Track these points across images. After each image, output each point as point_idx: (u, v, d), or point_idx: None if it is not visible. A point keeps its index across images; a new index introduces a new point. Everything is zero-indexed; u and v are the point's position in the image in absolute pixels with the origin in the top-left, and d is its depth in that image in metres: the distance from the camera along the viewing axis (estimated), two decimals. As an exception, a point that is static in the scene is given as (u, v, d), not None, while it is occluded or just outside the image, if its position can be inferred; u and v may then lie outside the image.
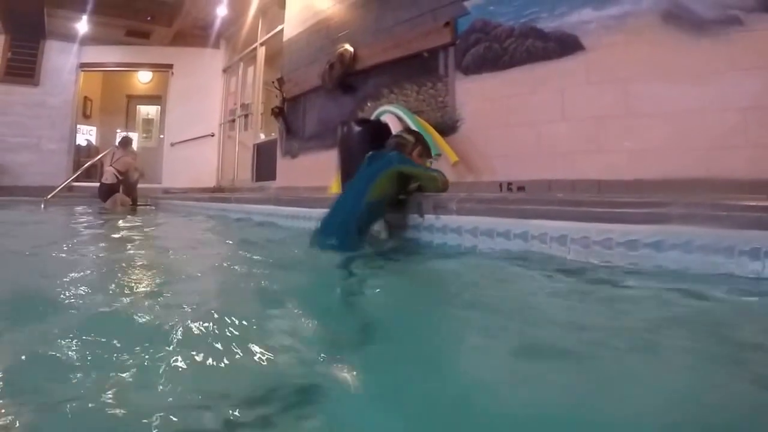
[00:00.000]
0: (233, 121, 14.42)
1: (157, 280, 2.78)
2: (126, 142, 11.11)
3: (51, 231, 6.17)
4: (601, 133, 4.95)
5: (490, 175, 5.89)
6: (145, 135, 18.41)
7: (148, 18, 13.71)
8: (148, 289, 2.52)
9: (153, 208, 10.86)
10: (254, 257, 3.54)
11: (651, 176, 4.45)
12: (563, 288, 2.32)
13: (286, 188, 10.10)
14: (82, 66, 14.99)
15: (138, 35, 14.48)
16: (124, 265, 3.13)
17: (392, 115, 6.46)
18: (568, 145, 5.22)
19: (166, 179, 15.12)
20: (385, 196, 3.71)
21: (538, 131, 5.50)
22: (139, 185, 11.32)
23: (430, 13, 6.83)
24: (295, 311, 2.12)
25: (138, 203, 11.00)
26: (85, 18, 13.43)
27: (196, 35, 14.45)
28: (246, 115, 13.67)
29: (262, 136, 12.81)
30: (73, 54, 14.67)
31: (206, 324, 1.70)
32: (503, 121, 5.86)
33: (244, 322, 1.75)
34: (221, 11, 12.81)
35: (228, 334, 1.64)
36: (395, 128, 6.01)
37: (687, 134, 4.37)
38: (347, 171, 5.98)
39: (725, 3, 4.20)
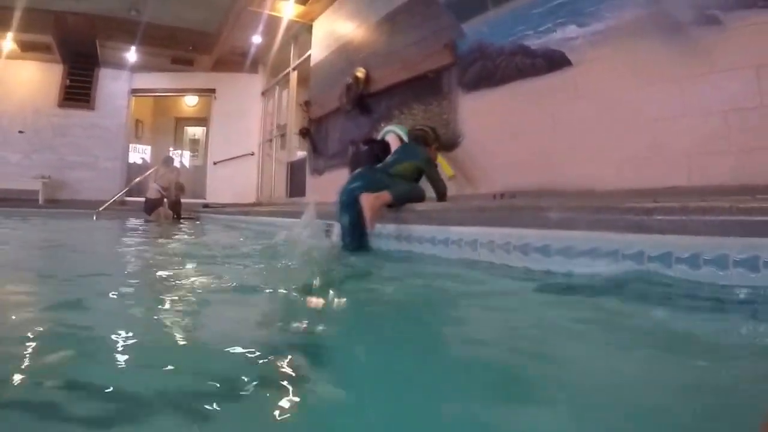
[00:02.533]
0: (271, 140, 14.94)
1: (173, 263, 3.92)
2: (168, 160, 11.82)
3: (96, 235, 7.09)
4: (588, 144, 5.01)
5: (487, 187, 6.07)
6: (193, 154, 19.42)
7: (190, 47, 14.47)
8: (166, 271, 3.34)
9: (198, 222, 11.40)
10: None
11: (634, 185, 4.45)
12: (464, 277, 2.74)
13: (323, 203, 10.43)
14: (133, 91, 16.09)
15: (182, 63, 15.32)
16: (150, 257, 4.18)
17: (393, 135, 6.72)
18: (557, 156, 5.33)
19: (210, 195, 15.92)
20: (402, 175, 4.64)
21: (529, 143, 5.65)
22: (185, 200, 12.11)
23: (433, 35, 7.10)
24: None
25: (182, 216, 11.68)
26: (133, 48, 14.35)
27: (235, 61, 15.06)
28: (282, 135, 14.16)
29: (297, 155, 13.25)
30: (125, 80, 15.79)
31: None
32: (498, 135, 6.05)
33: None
34: (256, 39, 13.33)
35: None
36: (395, 146, 6.30)
37: (668, 142, 4.35)
38: None
39: (703, 3, 4.12)
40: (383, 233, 4.19)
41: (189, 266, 3.78)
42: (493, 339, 1.71)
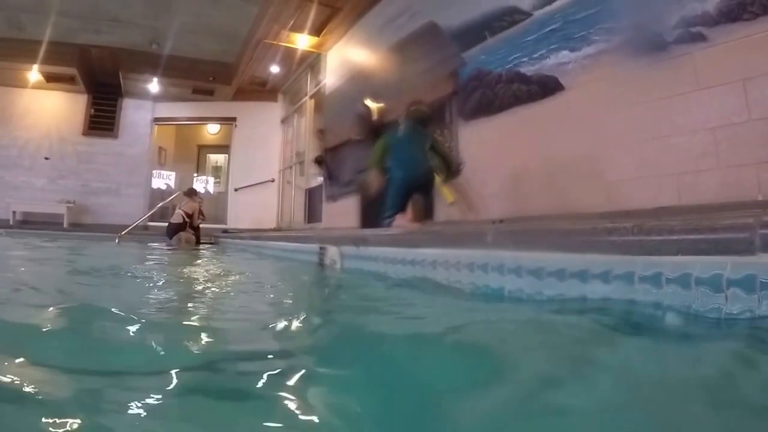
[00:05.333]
0: (290, 167, 15.20)
1: (186, 281, 4.27)
2: (191, 192, 12.07)
3: (116, 258, 7.12)
4: (582, 169, 5.08)
5: (487, 213, 6.12)
6: (217, 180, 19.76)
7: (211, 78, 14.86)
8: (184, 287, 3.77)
9: (215, 247, 11.62)
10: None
11: (624, 207, 4.45)
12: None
13: (328, 229, 10.60)
14: (156, 120, 16.55)
15: (203, 93, 15.69)
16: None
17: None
18: (551, 181, 5.43)
19: (231, 221, 16.18)
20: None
21: (526, 169, 5.76)
22: (205, 225, 12.38)
23: (437, 65, 7.27)
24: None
25: (202, 242, 11.90)
26: (155, 80, 14.78)
27: (254, 90, 15.45)
28: (300, 162, 14.41)
29: (315, 182, 13.45)
30: (148, 110, 16.25)
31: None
32: (496, 162, 6.17)
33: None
34: (274, 69, 13.65)
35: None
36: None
37: (656, 162, 4.37)
38: (365, 214, 6.53)
39: (687, 21, 4.16)
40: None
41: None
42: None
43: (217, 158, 19.82)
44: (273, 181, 16.14)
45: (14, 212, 14.34)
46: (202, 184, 19.53)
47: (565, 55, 5.32)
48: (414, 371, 1.48)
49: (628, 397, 1.17)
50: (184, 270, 5.32)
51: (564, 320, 1.97)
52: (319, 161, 11.53)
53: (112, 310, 2.08)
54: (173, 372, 1.31)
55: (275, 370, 1.36)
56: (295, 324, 2.09)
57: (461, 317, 2.22)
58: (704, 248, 1.70)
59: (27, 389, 1.17)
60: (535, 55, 5.66)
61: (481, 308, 2.47)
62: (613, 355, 1.55)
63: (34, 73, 14.07)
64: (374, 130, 8.82)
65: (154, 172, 17.53)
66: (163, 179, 18.44)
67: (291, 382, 1.27)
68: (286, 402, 1.14)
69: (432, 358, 1.60)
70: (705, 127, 4.02)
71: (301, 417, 1.09)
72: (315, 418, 1.09)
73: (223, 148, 18.44)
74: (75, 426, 0.96)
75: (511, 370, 1.41)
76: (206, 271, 5.28)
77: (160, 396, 1.17)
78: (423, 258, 3.16)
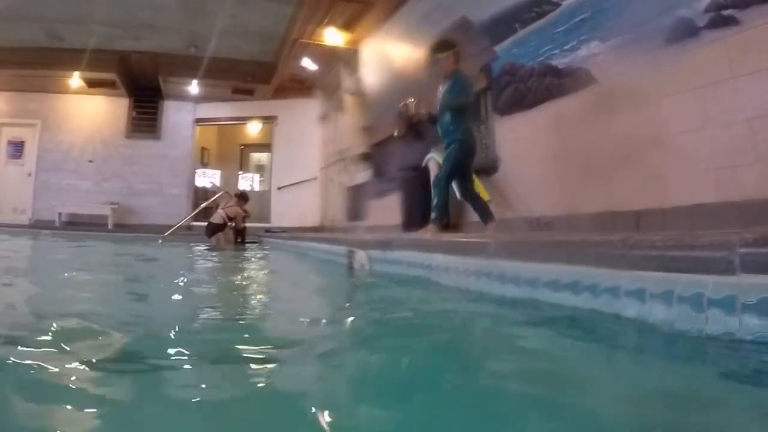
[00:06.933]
0: (332, 165, 15.14)
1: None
2: (243, 196, 12.18)
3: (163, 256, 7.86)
4: (614, 165, 4.91)
5: (526, 210, 6.06)
6: (262, 179, 19.94)
7: (250, 78, 14.97)
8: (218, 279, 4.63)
9: (258, 246, 11.79)
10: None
11: (659, 205, 4.36)
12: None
13: (372, 227, 10.56)
14: (197, 121, 16.77)
15: (243, 92, 15.78)
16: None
17: (434, 161, 6.73)
18: (587, 177, 5.29)
19: (275, 219, 16.26)
20: None
21: (560, 165, 5.62)
22: (248, 224, 12.47)
23: (470, 59, 7.12)
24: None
25: (246, 241, 12.08)
26: (195, 82, 14.97)
27: (293, 88, 15.42)
28: (342, 159, 14.34)
29: (357, 179, 13.38)
30: (189, 111, 16.47)
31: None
32: (532, 158, 6.05)
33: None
34: (311, 66, 13.57)
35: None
36: (434, 172, 6.40)
37: (691, 156, 4.16)
38: (407, 210, 6.52)
39: (718, 3, 3.94)
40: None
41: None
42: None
43: (260, 157, 19.97)
44: (316, 179, 16.10)
45: (60, 214, 14.77)
46: (248, 182, 19.79)
47: (595, 45, 5.15)
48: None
49: None
50: (235, 269, 6.00)
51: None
52: (365, 158, 11.53)
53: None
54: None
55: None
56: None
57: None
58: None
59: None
60: (566, 47, 5.51)
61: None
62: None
63: (75, 80, 14.43)
64: (413, 126, 8.79)
65: (198, 171, 17.83)
66: (208, 178, 18.77)
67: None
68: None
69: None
70: (741, 118, 3.80)
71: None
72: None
73: (265, 146, 18.54)
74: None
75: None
76: (253, 271, 5.87)
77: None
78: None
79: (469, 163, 5.47)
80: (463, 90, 5.34)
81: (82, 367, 1.48)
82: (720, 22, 3.93)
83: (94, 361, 1.55)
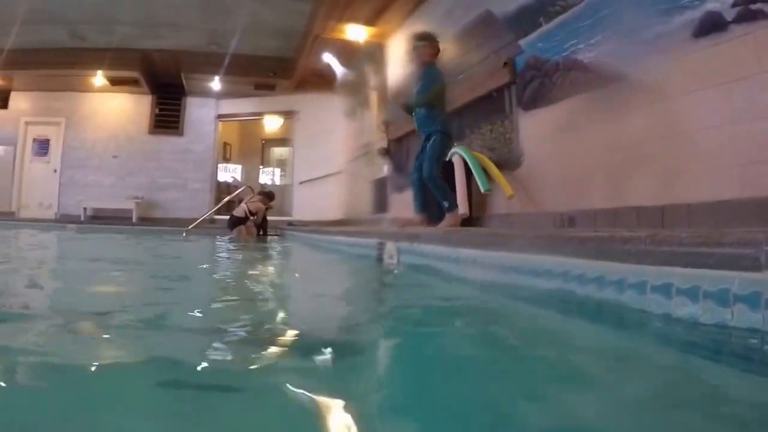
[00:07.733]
0: (356, 158, 15.15)
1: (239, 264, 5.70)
2: (269, 196, 12.33)
3: (186, 247, 8.44)
4: (639, 160, 4.86)
5: (550, 206, 6.01)
6: (283, 173, 20.16)
7: (272, 73, 15.14)
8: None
9: (280, 239, 11.98)
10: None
11: (684, 200, 4.29)
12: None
13: (393, 219, 10.60)
14: (220, 117, 17.09)
15: (265, 88, 15.92)
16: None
17: (458, 156, 6.73)
18: (610, 174, 5.25)
19: (296, 212, 16.52)
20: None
21: (586, 160, 5.56)
22: (270, 217, 12.77)
23: (494, 54, 7.13)
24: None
25: (268, 233, 12.32)
26: (217, 78, 15.17)
27: (315, 82, 15.36)
28: (366, 153, 14.35)
29: (380, 173, 13.41)
30: (211, 107, 16.79)
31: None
32: (556, 153, 6.00)
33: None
34: (333, 61, 13.57)
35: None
36: (459, 167, 6.44)
37: (717, 152, 4.08)
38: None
39: None
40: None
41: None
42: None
43: (281, 151, 20.17)
44: (340, 172, 16.09)
45: (85, 209, 15.18)
46: (269, 176, 19.93)
47: (621, 40, 5.06)
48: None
49: None
50: (262, 261, 6.42)
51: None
52: (384, 153, 11.56)
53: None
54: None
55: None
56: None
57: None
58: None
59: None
60: (591, 41, 5.41)
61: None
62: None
63: (98, 78, 14.72)
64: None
65: (221, 166, 18.08)
66: (230, 173, 19.02)
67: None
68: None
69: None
70: (768, 114, 3.71)
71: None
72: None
73: (286, 141, 18.76)
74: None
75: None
76: (276, 264, 6.20)
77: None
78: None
79: (447, 151, 6.17)
80: (433, 83, 5.97)
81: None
82: (749, 16, 3.83)
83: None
